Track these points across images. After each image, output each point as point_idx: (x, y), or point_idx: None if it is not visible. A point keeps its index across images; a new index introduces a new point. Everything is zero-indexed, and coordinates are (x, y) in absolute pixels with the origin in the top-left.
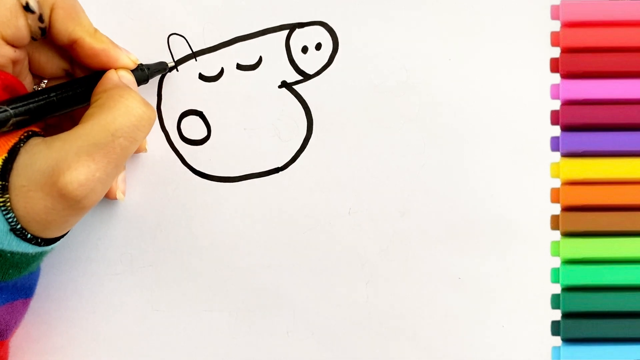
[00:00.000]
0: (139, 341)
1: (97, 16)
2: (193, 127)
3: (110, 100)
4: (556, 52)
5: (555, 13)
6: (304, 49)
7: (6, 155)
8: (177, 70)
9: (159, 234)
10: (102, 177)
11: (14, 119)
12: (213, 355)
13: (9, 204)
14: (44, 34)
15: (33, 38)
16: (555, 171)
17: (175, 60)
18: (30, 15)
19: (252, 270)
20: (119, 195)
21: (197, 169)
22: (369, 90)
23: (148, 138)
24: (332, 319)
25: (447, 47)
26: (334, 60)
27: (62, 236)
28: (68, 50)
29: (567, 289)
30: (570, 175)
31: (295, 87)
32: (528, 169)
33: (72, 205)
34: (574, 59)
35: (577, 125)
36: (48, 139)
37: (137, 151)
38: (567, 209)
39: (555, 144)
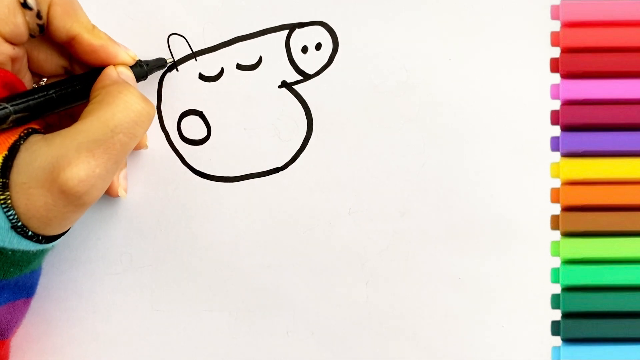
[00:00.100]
0: (139, 341)
1: (97, 16)
2: (193, 127)
3: (109, 96)
4: (556, 52)
5: (555, 13)
6: (304, 49)
7: (6, 152)
8: (177, 70)
9: (159, 234)
10: (103, 173)
11: (14, 116)
12: (213, 355)
13: (9, 201)
14: (42, 31)
15: (31, 35)
16: (555, 171)
17: (175, 60)
18: (28, 12)
19: (252, 270)
20: (120, 192)
21: (197, 168)
22: (369, 90)
23: (148, 137)
24: (332, 319)
25: (447, 47)
26: (334, 60)
27: (63, 234)
28: (67, 48)
29: (567, 289)
30: (570, 175)
31: (295, 87)
32: (528, 169)
33: (73, 201)
34: (574, 59)
35: (577, 125)
36: (48, 136)
37: (138, 147)
38: (567, 209)
39: (555, 144)
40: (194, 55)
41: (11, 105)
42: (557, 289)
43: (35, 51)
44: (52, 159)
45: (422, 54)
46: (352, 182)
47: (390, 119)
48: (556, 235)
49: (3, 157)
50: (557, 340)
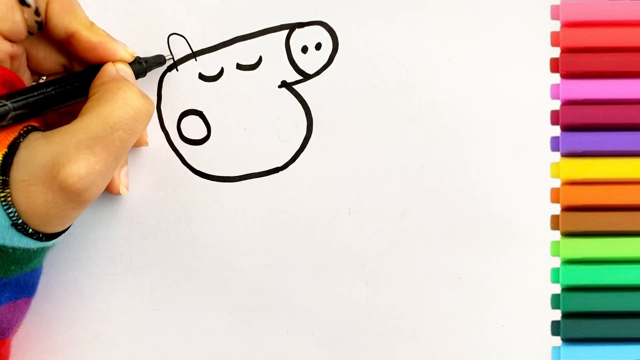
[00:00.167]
0: (139, 341)
1: (97, 16)
2: (193, 127)
3: (108, 93)
4: (556, 52)
5: (555, 13)
6: (304, 49)
7: (6, 150)
8: (177, 70)
9: (159, 234)
10: (102, 169)
11: (13, 113)
12: (213, 355)
13: (9, 198)
14: (41, 28)
15: (30, 33)
16: (555, 171)
17: (175, 60)
18: (26, 9)
19: (252, 270)
20: (122, 189)
21: (197, 168)
22: (369, 90)
23: (148, 135)
24: (332, 319)
25: (447, 47)
26: (334, 60)
27: (64, 231)
28: (65, 45)
29: (567, 289)
30: (570, 175)
31: (295, 87)
32: (528, 169)
33: (73, 198)
34: (574, 59)
35: (577, 125)
36: (47, 133)
37: (138, 144)
38: (567, 209)
39: (555, 144)
40: (194, 55)
41: (10, 102)
42: (557, 289)
43: (34, 49)
44: (51, 156)
45: (422, 54)
46: (352, 182)
47: (390, 119)
48: (556, 235)
49: (3, 154)
50: (557, 340)
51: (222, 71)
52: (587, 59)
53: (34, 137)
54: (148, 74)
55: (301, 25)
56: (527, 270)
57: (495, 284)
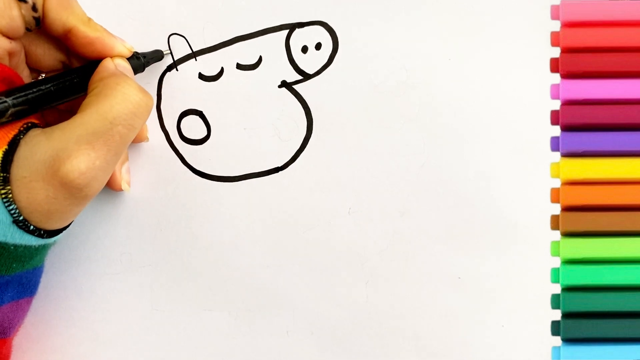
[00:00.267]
0: (139, 341)
1: (97, 16)
2: (193, 127)
3: (107, 88)
4: (556, 52)
5: (555, 13)
6: (304, 49)
7: (6, 147)
8: (177, 70)
9: (159, 234)
10: (103, 165)
11: (12, 109)
12: (213, 355)
13: (10, 195)
14: (38, 24)
15: (28, 29)
16: (555, 171)
17: (175, 60)
18: (23, 5)
19: (252, 270)
20: (124, 185)
21: (197, 168)
22: (369, 90)
23: (148, 133)
24: (332, 318)
25: (447, 47)
26: (334, 60)
27: (65, 228)
28: (63, 41)
29: (567, 289)
30: (570, 175)
31: (295, 87)
32: (528, 169)
33: (74, 194)
34: (574, 59)
35: (577, 125)
36: (47, 129)
37: (139, 140)
38: (567, 209)
39: (555, 144)
40: (194, 55)
41: (10, 99)
42: (557, 289)
43: (33, 46)
44: (52, 152)
45: (422, 54)
46: (352, 182)
47: (390, 119)
48: (556, 235)
49: (3, 151)
50: (557, 340)
51: (222, 71)
52: (587, 59)
53: (34, 133)
54: (148, 74)
55: (301, 25)
56: (527, 270)
57: (495, 284)
